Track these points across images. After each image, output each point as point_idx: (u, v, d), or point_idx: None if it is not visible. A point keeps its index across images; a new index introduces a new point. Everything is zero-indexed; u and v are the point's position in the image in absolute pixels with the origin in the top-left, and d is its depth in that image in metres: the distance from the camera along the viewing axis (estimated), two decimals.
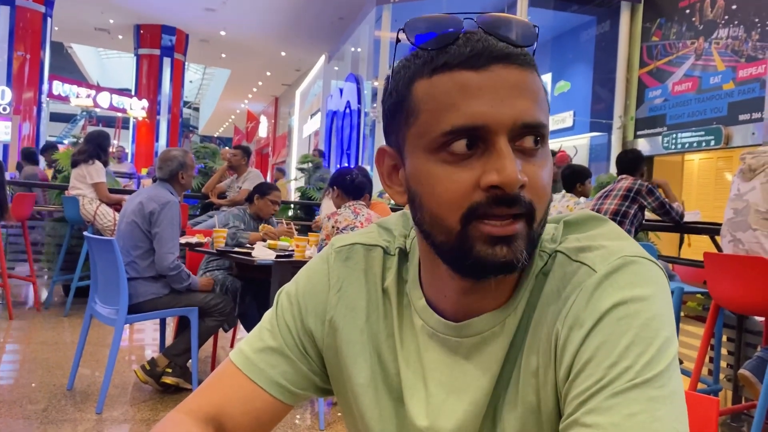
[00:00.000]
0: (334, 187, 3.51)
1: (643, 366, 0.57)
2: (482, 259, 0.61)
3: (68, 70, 23.62)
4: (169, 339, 3.70)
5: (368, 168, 11.38)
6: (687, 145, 9.98)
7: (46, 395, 3.22)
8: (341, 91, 15.81)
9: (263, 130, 28.22)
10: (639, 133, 11.17)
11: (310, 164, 7.78)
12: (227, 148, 6.38)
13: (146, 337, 4.63)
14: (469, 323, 0.68)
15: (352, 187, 3.40)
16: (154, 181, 3.56)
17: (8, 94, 12.62)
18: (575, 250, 0.66)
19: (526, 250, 0.61)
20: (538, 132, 0.62)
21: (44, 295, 5.44)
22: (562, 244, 0.68)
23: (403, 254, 0.76)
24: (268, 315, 0.79)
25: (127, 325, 3.56)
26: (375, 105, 13.93)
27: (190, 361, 3.31)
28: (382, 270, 0.75)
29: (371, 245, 0.77)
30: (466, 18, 0.64)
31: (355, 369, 0.73)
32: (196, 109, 35.48)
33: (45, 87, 15.16)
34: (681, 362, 3.71)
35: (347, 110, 15.11)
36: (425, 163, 0.63)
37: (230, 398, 0.73)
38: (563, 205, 4.45)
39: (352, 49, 16.07)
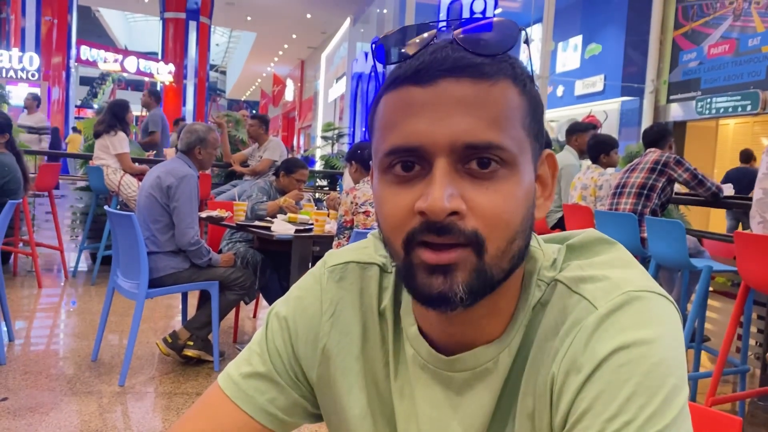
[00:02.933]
0: (352, 162, 3.45)
1: (646, 420, 0.51)
2: (420, 289, 0.57)
3: (96, 33, 23.71)
4: (191, 311, 3.73)
5: None
6: (722, 110, 9.67)
7: (71, 366, 3.28)
8: (366, 54, 15.60)
9: (290, 94, 28.12)
10: (672, 97, 10.84)
11: (335, 132, 7.72)
12: (245, 111, 6.32)
13: (170, 308, 4.69)
14: (460, 357, 0.63)
15: (369, 160, 3.34)
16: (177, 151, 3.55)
17: (36, 61, 12.71)
18: (576, 280, 0.60)
19: (469, 284, 0.56)
20: (488, 153, 0.55)
21: (72, 263, 5.53)
22: (562, 272, 0.62)
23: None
24: (258, 336, 0.74)
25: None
26: None
27: (211, 333, 3.34)
28: (378, 291, 0.70)
29: (367, 263, 0.72)
30: (442, 25, 0.59)
31: (350, 400, 0.69)
32: (223, 73, 35.49)
33: (73, 52, 15.24)
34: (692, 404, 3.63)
35: (372, 74, 14.91)
36: (378, 183, 0.60)
37: (217, 426, 0.70)
38: (588, 177, 4.33)
39: (378, 10, 15.80)
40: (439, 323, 0.63)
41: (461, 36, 0.57)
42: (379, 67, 0.62)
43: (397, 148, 0.57)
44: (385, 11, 15.03)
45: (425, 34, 0.58)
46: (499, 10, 7.43)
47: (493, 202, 0.55)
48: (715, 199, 3.78)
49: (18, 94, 12.49)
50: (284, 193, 4.08)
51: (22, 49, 13.36)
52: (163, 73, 17.42)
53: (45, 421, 2.62)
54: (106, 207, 3.47)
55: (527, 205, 0.58)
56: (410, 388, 0.66)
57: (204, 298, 3.53)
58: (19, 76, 12.64)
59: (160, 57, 17.81)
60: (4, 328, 3.52)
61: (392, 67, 0.60)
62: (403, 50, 0.58)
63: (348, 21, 17.96)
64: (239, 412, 0.70)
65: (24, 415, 2.66)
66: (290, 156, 6.91)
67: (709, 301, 3.64)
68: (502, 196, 0.56)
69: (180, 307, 4.04)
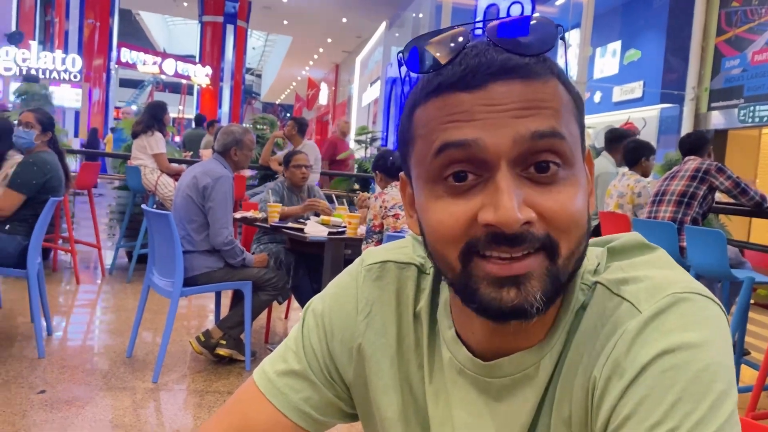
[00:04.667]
0: (377, 171, 3.48)
1: (692, 427, 0.49)
2: (487, 303, 0.54)
3: (136, 37, 24.21)
4: (224, 310, 3.76)
5: None
6: (765, 119, 9.42)
7: (106, 362, 3.34)
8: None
9: (323, 98, 28.31)
10: (713, 105, 10.60)
11: (368, 136, 7.74)
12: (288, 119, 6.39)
13: (202, 308, 4.74)
14: (499, 363, 0.61)
15: (393, 168, 3.39)
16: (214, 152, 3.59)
17: (78, 62, 13.01)
18: (616, 282, 0.58)
19: (543, 292, 0.53)
20: (552, 148, 0.53)
21: (109, 261, 5.63)
22: (602, 274, 0.60)
23: (439, 274, 0.68)
24: (294, 333, 0.74)
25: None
26: None
27: (243, 333, 3.36)
28: (415, 292, 0.69)
29: (405, 263, 0.70)
30: (477, 27, 0.57)
31: (384, 401, 0.68)
32: (259, 76, 35.90)
33: (114, 54, 15.58)
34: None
35: (407, 78, 14.93)
36: (425, 194, 0.57)
37: (251, 422, 0.70)
38: (624, 184, 4.25)
39: (413, 14, 15.82)
40: (487, 330, 0.61)
41: (502, 38, 0.55)
42: (412, 74, 0.59)
43: (450, 143, 0.54)
44: (420, 15, 15.04)
45: (460, 38, 0.56)
46: (536, 15, 7.38)
47: (560, 204, 0.54)
48: (758, 209, 3.68)
49: (61, 95, 12.80)
50: (296, 188, 4.13)
51: (65, 51, 13.70)
52: (200, 76, 17.70)
53: (81, 415, 2.66)
54: (143, 206, 3.53)
55: (586, 203, 0.57)
56: (446, 393, 0.65)
57: (237, 297, 3.56)
58: (61, 78, 12.95)
59: (197, 60, 18.10)
60: (44, 323, 3.60)
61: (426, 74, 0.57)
62: (437, 56, 0.56)
63: (383, 25, 18.02)
64: (273, 409, 0.69)
65: (60, 408, 2.71)
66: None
67: (750, 314, 3.53)
68: (567, 198, 0.54)
69: (212, 306, 4.08)
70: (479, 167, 0.54)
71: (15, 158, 3.53)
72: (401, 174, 0.66)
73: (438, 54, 0.55)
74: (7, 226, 3.26)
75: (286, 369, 0.71)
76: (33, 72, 12.11)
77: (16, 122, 3.64)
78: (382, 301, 0.69)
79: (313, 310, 0.73)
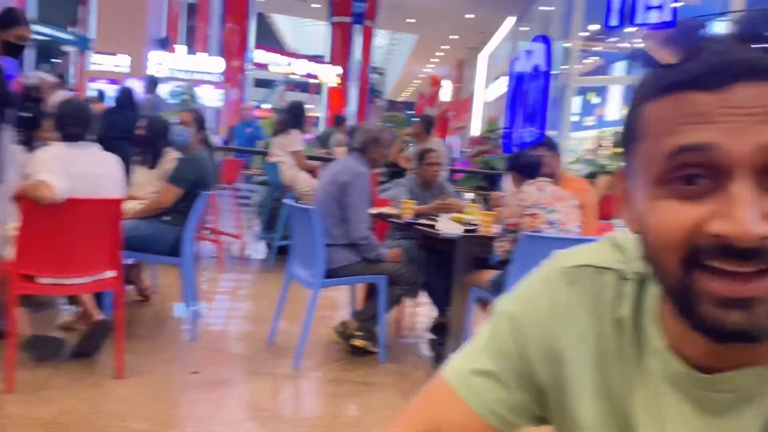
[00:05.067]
0: (511, 171, 3.45)
1: None
2: (708, 322, 0.51)
3: (268, 38, 25.39)
4: (358, 303, 3.86)
5: (555, 133, 10.93)
6: None
7: (249, 347, 3.54)
8: (528, 53, 15.30)
9: (446, 95, 28.28)
10: None
11: (497, 132, 7.65)
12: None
13: (335, 298, 4.89)
14: (722, 378, 0.57)
15: (528, 168, 3.33)
16: (350, 150, 3.71)
17: (221, 64, 13.85)
18: None
19: None
20: None
21: (250, 251, 5.97)
22: None
23: (642, 280, 0.65)
24: (485, 333, 0.73)
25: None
26: (566, 67, 13.27)
27: (377, 326, 3.44)
28: (614, 298, 0.66)
29: (602, 268, 0.67)
30: (720, 20, 0.53)
31: (582, 408, 0.66)
32: (382, 74, 36.48)
33: (251, 56, 16.45)
34: None
35: (534, 73, 14.59)
36: (648, 194, 0.54)
37: (444, 420, 0.70)
38: None
39: (542, 8, 15.41)
40: (708, 343, 0.56)
41: (750, 33, 0.50)
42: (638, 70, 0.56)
43: (685, 146, 0.51)
44: (551, 8, 14.62)
45: (698, 31, 0.53)
46: (680, 4, 6.93)
47: None
48: None
49: (203, 95, 13.70)
50: (428, 184, 4.19)
51: (208, 54, 14.63)
52: (330, 75, 18.25)
53: (230, 396, 2.84)
54: (285, 200, 3.71)
55: None
56: (656, 405, 0.62)
57: (371, 291, 3.65)
58: (204, 79, 13.84)
59: (327, 59, 18.68)
60: (194, 308, 3.86)
61: (656, 70, 0.54)
62: (673, 50, 0.52)
63: (509, 20, 17.73)
64: (466, 408, 0.69)
65: (212, 388, 2.90)
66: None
67: None
68: None
69: (342, 298, 4.21)
70: (713, 173, 0.50)
71: (171, 155, 3.83)
72: (619, 168, 0.63)
73: (674, 48, 0.52)
74: (167, 218, 3.53)
75: (480, 369, 0.70)
76: (178, 73, 13.05)
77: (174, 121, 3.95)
78: (579, 306, 0.67)
79: (506, 313, 0.72)
